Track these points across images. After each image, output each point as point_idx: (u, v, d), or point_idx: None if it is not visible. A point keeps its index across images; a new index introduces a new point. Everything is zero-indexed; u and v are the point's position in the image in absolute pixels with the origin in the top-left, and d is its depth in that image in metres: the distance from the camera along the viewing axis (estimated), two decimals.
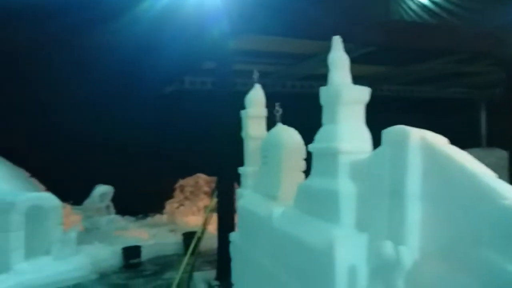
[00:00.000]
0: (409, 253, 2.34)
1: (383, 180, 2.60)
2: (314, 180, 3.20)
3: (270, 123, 4.55)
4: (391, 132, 2.61)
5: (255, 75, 4.89)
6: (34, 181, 8.23)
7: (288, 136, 3.96)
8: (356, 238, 2.72)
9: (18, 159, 8.16)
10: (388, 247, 2.39)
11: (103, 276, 6.49)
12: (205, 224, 5.98)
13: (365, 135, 3.04)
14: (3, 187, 7.00)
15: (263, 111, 4.86)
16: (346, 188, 2.86)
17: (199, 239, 5.85)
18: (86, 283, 6.15)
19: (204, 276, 5.90)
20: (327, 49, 3.11)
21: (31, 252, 6.33)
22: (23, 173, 8.08)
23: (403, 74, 10.32)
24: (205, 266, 6.66)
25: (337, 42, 3.09)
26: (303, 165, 3.81)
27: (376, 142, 2.83)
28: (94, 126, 9.43)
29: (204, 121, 6.60)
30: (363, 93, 3.05)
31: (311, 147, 3.20)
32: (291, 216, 3.42)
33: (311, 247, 2.87)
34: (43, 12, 7.79)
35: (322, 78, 3.25)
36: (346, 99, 2.99)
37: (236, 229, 4.89)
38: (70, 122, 9.21)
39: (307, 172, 3.51)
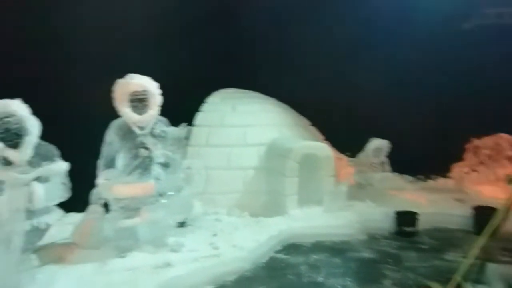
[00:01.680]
0: None
1: None
2: None
3: None
4: None
5: None
6: (314, 130, 8.30)
7: None
8: None
9: (301, 107, 8.38)
10: None
11: (371, 239, 5.85)
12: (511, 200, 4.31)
13: None
14: (284, 133, 7.30)
15: None
16: None
17: (502, 218, 4.27)
18: (353, 243, 5.67)
19: (504, 271, 4.34)
20: None
21: (303, 200, 6.37)
22: (304, 122, 8.27)
23: None
24: (505, 257, 5.01)
25: None
26: None
27: None
28: (373, 75, 8.66)
29: None
30: None
31: None
32: None
33: None
34: None
35: None
36: None
37: None
38: (349, 71, 8.78)
39: None
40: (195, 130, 7.41)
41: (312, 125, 8.43)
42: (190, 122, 7.52)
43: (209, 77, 8.49)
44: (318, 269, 4.83)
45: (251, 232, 5.57)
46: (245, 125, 7.31)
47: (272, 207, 6.51)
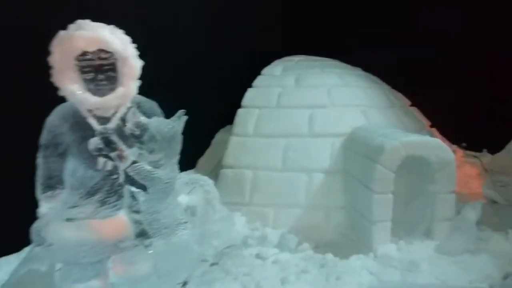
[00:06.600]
0: None
1: None
2: None
3: None
4: None
5: None
6: (416, 112, 5.74)
7: None
8: None
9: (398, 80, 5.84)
10: None
11: None
12: None
13: None
14: (373, 119, 4.88)
15: None
16: None
17: None
18: None
19: None
20: None
21: (401, 231, 3.96)
22: (402, 101, 5.73)
23: None
24: None
25: None
26: None
27: None
28: None
29: None
30: None
31: None
32: None
33: None
34: None
35: None
36: None
37: None
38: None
39: None
40: (241, 113, 5.27)
41: (414, 105, 5.82)
42: (236, 102, 5.44)
43: (270, 37, 6.26)
44: None
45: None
46: (313, 106, 4.99)
47: (351, 236, 4.20)
